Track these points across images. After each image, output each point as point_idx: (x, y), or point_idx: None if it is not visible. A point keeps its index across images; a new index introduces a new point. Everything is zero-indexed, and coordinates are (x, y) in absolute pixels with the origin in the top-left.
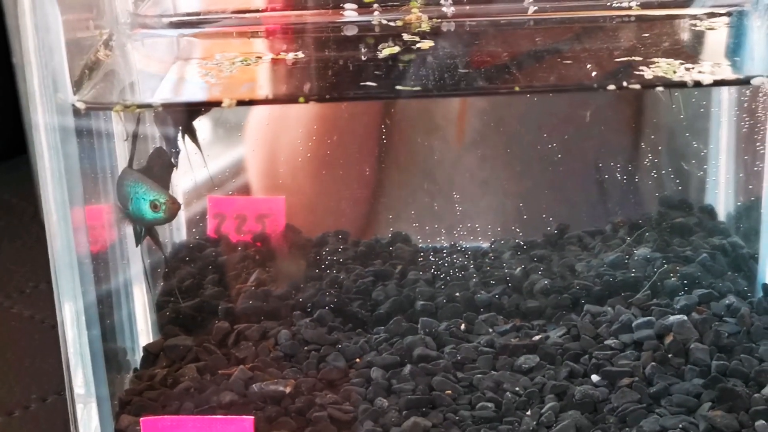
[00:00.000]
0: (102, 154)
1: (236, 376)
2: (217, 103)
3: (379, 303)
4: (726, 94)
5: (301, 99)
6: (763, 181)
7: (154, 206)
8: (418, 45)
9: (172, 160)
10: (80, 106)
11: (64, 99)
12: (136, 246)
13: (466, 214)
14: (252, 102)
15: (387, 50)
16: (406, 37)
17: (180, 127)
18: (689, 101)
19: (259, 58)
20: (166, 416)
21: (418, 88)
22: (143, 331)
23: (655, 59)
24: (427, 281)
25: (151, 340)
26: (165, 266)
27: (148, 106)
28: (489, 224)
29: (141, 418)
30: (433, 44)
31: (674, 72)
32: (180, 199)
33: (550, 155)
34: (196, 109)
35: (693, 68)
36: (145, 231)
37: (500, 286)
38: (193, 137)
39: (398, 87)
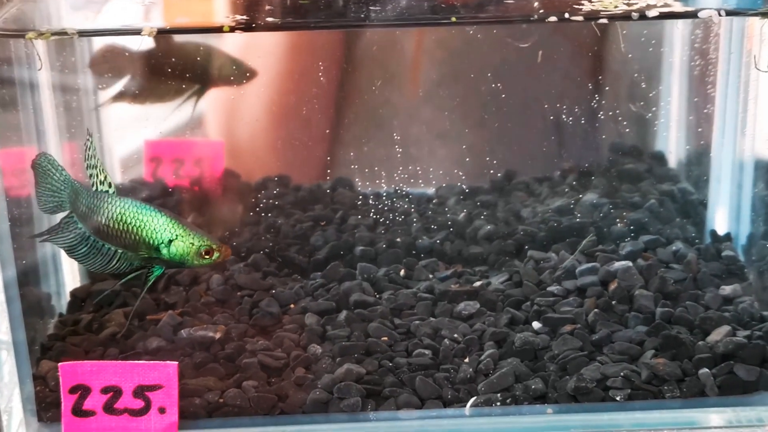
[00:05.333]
0: (23, 86)
1: (164, 322)
2: (137, 32)
3: (317, 248)
4: (677, 32)
5: (226, 27)
6: (713, 125)
7: (207, 252)
8: None
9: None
10: None
11: None
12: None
13: (411, 160)
14: (174, 30)
15: None
16: None
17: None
18: (638, 40)
19: None
20: (85, 361)
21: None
22: (70, 275)
23: None
24: (368, 226)
25: (78, 285)
26: None
27: (64, 33)
28: (435, 170)
29: (59, 363)
30: None
31: (615, 7)
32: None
33: (497, 100)
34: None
35: (636, 2)
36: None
37: (443, 231)
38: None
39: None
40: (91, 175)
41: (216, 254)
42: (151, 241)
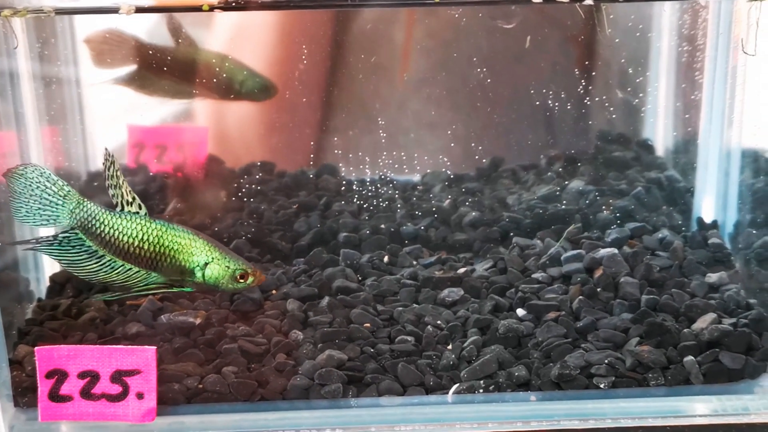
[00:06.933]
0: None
1: (144, 307)
2: (114, 10)
3: (300, 234)
4: (664, 17)
5: (205, 6)
6: (700, 112)
7: (242, 276)
8: None
9: None
10: None
11: None
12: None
13: (398, 147)
14: (154, 9)
15: None
16: None
17: None
18: (624, 25)
19: None
20: (62, 345)
21: None
22: (49, 260)
23: None
24: (352, 213)
25: (57, 270)
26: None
27: (40, 11)
28: (421, 157)
29: (36, 348)
30: None
31: None
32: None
33: (483, 87)
34: None
35: None
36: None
37: (428, 218)
38: None
39: None
40: (113, 195)
41: (250, 278)
42: (187, 265)
